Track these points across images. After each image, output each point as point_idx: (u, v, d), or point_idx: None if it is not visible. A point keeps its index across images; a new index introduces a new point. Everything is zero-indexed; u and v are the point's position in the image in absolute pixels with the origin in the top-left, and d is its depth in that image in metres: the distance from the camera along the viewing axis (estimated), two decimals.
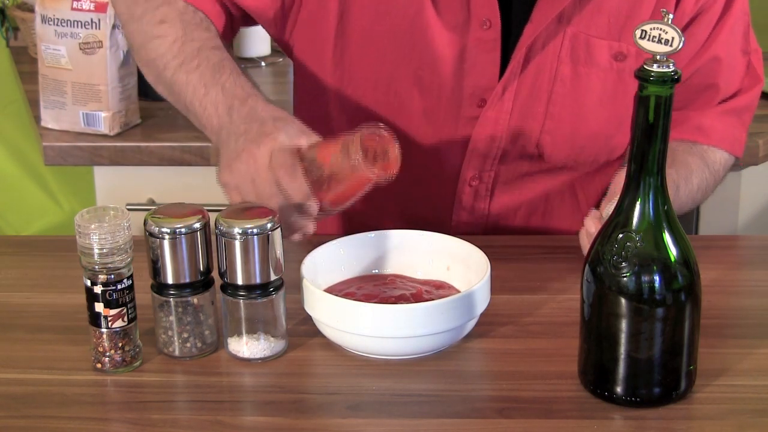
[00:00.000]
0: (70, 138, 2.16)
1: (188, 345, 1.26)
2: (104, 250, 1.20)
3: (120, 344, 1.23)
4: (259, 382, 1.24)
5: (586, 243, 1.34)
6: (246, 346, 1.26)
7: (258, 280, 1.23)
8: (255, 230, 1.21)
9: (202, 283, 1.25)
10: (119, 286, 1.21)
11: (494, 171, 1.54)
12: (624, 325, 1.15)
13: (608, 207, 1.36)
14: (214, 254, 1.25)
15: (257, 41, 2.54)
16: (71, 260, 1.29)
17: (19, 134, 2.71)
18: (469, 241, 1.35)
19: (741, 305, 1.41)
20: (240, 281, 1.23)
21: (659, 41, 1.10)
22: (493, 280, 1.30)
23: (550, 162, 1.54)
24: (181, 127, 2.16)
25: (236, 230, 1.21)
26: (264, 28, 1.54)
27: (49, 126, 2.19)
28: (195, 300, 1.25)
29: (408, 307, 1.25)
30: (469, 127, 1.50)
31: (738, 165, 2.15)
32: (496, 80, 1.47)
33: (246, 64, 2.49)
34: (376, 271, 1.39)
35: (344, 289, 1.33)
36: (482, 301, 1.27)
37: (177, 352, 1.27)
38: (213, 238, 1.24)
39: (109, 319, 1.22)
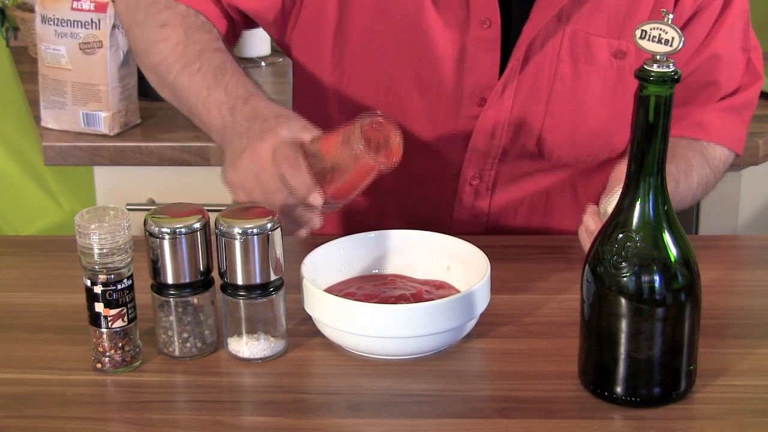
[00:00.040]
0: (70, 138, 2.16)
1: (188, 345, 1.26)
2: (104, 250, 1.20)
3: (120, 344, 1.23)
4: (259, 382, 1.24)
5: (585, 239, 1.34)
6: (246, 346, 1.26)
7: (258, 280, 1.23)
8: (255, 230, 1.21)
9: (202, 283, 1.25)
10: (119, 286, 1.21)
11: (494, 170, 1.54)
12: (624, 325, 1.15)
13: (606, 201, 1.36)
14: (214, 254, 1.25)
15: (257, 41, 2.54)
16: (71, 260, 1.29)
17: (19, 134, 2.71)
18: (469, 241, 1.35)
19: (741, 305, 1.41)
20: (240, 281, 1.23)
21: (659, 41, 1.10)
22: (493, 280, 1.30)
23: (550, 160, 1.54)
24: (181, 127, 2.17)
25: (236, 230, 1.21)
26: (265, 30, 1.54)
27: (49, 126, 2.19)
28: (195, 300, 1.25)
29: (408, 307, 1.25)
30: (470, 126, 1.50)
31: (738, 165, 2.15)
32: (496, 79, 1.48)
33: (246, 64, 2.49)
34: (376, 271, 1.39)
35: (344, 289, 1.33)
36: (482, 301, 1.27)
37: (177, 352, 1.27)
38: (213, 238, 1.24)
39: (109, 319, 1.22)
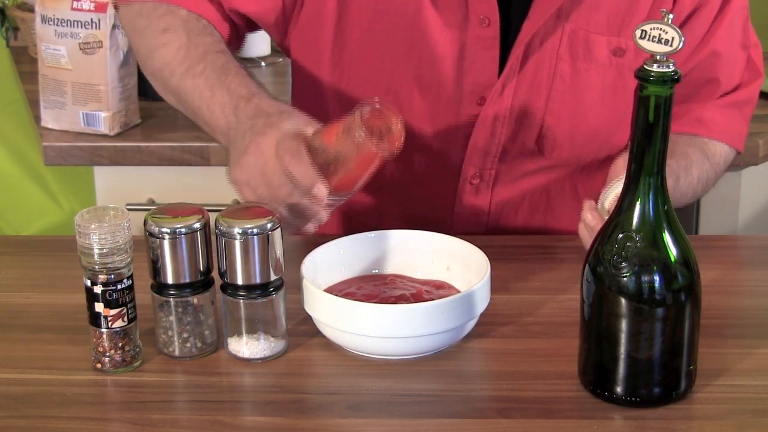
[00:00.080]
0: (70, 138, 2.16)
1: (188, 345, 1.26)
2: (104, 250, 1.20)
3: (120, 344, 1.23)
4: (259, 382, 1.24)
5: (585, 235, 1.34)
6: (246, 346, 1.26)
7: (258, 280, 1.23)
8: (255, 230, 1.21)
9: (202, 283, 1.25)
10: (119, 286, 1.21)
11: (495, 169, 1.54)
12: (624, 325, 1.15)
13: (604, 195, 1.36)
14: (214, 254, 1.25)
15: (257, 41, 2.54)
16: (71, 260, 1.29)
17: (19, 134, 2.71)
18: (469, 241, 1.35)
19: (741, 305, 1.41)
20: (240, 281, 1.23)
21: (659, 41, 1.10)
22: (493, 280, 1.30)
23: (551, 159, 1.54)
24: (181, 127, 2.16)
25: (236, 230, 1.21)
26: (267, 32, 1.55)
27: (49, 126, 2.19)
28: (195, 300, 1.25)
29: (408, 307, 1.25)
30: (470, 125, 1.50)
31: (738, 165, 2.15)
32: (495, 78, 1.48)
33: (246, 64, 2.47)
34: (376, 271, 1.39)
35: (344, 289, 1.33)
36: (482, 301, 1.27)
37: (177, 352, 1.27)
38: (213, 238, 1.24)
39: (109, 319, 1.22)
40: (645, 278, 1.14)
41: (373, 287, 1.34)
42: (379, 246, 1.38)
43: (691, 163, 1.51)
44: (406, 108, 1.49)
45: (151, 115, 2.23)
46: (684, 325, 1.16)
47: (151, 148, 2.13)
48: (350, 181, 1.27)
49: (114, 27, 2.10)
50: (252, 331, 1.25)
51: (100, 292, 1.21)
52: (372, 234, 1.38)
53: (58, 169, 2.67)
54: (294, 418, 1.17)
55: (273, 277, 1.24)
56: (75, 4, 2.11)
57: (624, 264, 1.14)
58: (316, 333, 1.30)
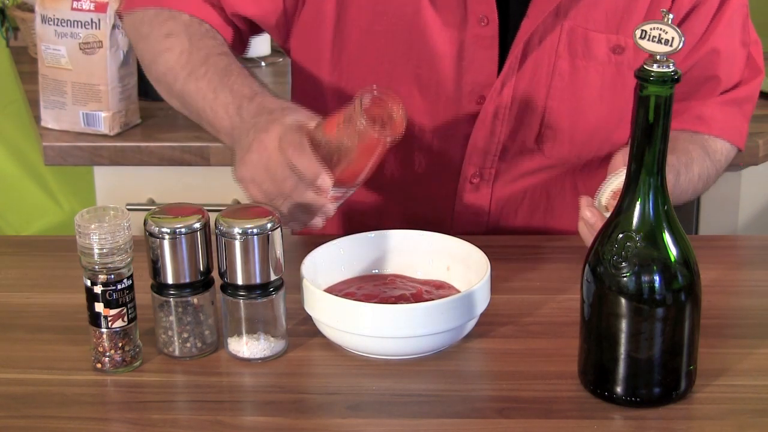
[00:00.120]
0: (70, 138, 2.16)
1: (188, 345, 1.26)
2: (104, 250, 1.20)
3: (120, 344, 1.23)
4: (259, 382, 1.24)
5: (585, 232, 1.34)
6: (246, 346, 1.26)
7: (258, 280, 1.23)
8: (255, 230, 1.21)
9: (202, 283, 1.25)
10: (119, 286, 1.21)
11: (495, 168, 1.54)
12: (624, 325, 1.15)
13: (600, 192, 1.35)
14: (214, 254, 1.25)
15: (257, 42, 2.52)
16: (71, 260, 1.29)
17: (19, 134, 2.71)
18: (469, 241, 1.35)
19: (741, 305, 1.41)
20: (240, 281, 1.23)
21: (659, 41, 1.10)
22: (493, 280, 1.30)
23: (550, 157, 1.54)
24: (181, 127, 2.16)
25: (236, 230, 1.21)
26: (270, 35, 1.55)
27: (49, 126, 2.19)
28: (195, 300, 1.25)
29: (408, 307, 1.25)
30: (469, 124, 1.50)
31: (738, 165, 2.15)
32: (494, 76, 1.48)
33: (246, 64, 2.48)
34: (376, 271, 1.39)
35: (344, 289, 1.33)
36: (482, 301, 1.27)
37: (177, 352, 1.27)
38: (213, 238, 1.24)
39: (109, 319, 1.22)
40: (645, 278, 1.14)
41: (373, 287, 1.34)
42: (379, 246, 1.38)
43: (692, 159, 1.51)
44: (406, 108, 1.49)
45: (151, 115, 2.23)
46: (684, 325, 1.16)
47: (151, 148, 2.13)
48: (354, 171, 1.26)
49: (114, 27, 2.10)
50: (252, 331, 1.25)
51: (100, 292, 1.21)
52: (372, 234, 1.38)
53: (58, 169, 2.67)
54: (294, 418, 1.17)
55: (273, 277, 1.24)
56: (75, 4, 2.11)
57: (624, 264, 1.14)
58: (316, 333, 1.30)
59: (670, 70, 1.09)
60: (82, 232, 1.19)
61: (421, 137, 1.52)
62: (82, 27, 2.10)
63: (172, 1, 1.47)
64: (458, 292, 1.32)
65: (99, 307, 1.22)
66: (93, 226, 1.19)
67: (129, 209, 1.25)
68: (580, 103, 1.50)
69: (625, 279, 1.14)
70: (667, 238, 1.14)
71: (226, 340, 1.27)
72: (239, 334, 1.26)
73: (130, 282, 1.22)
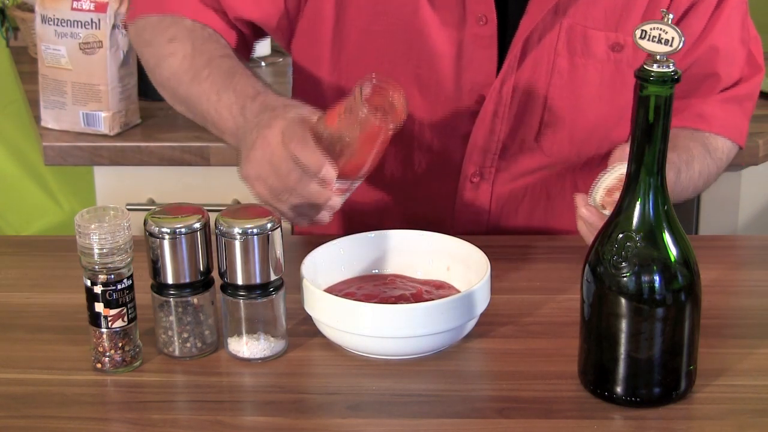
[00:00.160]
0: (70, 138, 2.16)
1: (188, 345, 1.26)
2: (104, 250, 1.20)
3: (120, 344, 1.23)
4: (259, 382, 1.24)
5: (584, 230, 1.34)
6: (246, 346, 1.26)
7: (258, 280, 1.23)
8: (255, 230, 1.21)
9: (202, 283, 1.25)
10: (119, 286, 1.21)
11: (495, 166, 1.54)
12: (624, 325, 1.15)
13: (594, 188, 1.35)
14: (214, 254, 1.25)
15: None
16: (71, 260, 1.29)
17: (19, 134, 2.71)
18: (469, 241, 1.35)
19: (741, 305, 1.41)
20: (240, 281, 1.23)
21: (659, 41, 1.10)
22: (493, 280, 1.30)
23: (550, 155, 1.54)
24: (181, 127, 2.16)
25: (236, 230, 1.21)
26: (274, 37, 1.55)
27: (49, 126, 2.19)
28: (195, 300, 1.25)
29: (408, 307, 1.25)
30: (469, 123, 1.50)
31: (738, 165, 2.15)
32: (494, 75, 1.48)
33: (247, 64, 2.49)
34: (376, 271, 1.39)
35: (344, 289, 1.33)
36: (482, 301, 1.27)
37: (177, 352, 1.27)
38: (213, 238, 1.24)
39: (109, 319, 1.22)
40: (645, 278, 1.14)
41: (373, 287, 1.34)
42: (379, 246, 1.38)
43: (693, 157, 1.51)
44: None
45: (151, 115, 2.23)
46: (684, 325, 1.16)
47: (151, 148, 2.13)
48: (358, 162, 1.26)
49: (114, 27, 2.10)
50: (252, 331, 1.25)
51: (100, 292, 1.21)
52: (372, 234, 1.38)
53: (58, 169, 2.67)
54: (294, 418, 1.17)
55: (273, 277, 1.24)
56: (75, 4, 2.10)
57: (624, 264, 1.14)
58: (316, 333, 1.30)
59: (670, 70, 1.09)
60: (82, 232, 1.19)
61: (421, 136, 1.52)
62: (82, 27, 2.10)
63: (174, 6, 1.47)
64: (458, 292, 1.32)
65: (99, 307, 1.22)
66: (93, 226, 1.19)
67: (129, 209, 1.25)
68: (580, 101, 1.50)
69: (625, 279, 1.14)
70: (667, 238, 1.14)
71: (226, 340, 1.27)
72: (239, 334, 1.26)
73: (130, 282, 1.22)
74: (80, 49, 2.11)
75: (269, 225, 1.22)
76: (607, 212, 1.31)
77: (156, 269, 1.23)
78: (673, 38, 1.09)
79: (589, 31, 1.47)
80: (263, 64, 2.55)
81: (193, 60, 1.42)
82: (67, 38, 2.11)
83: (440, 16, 1.46)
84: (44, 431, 1.16)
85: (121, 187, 2.19)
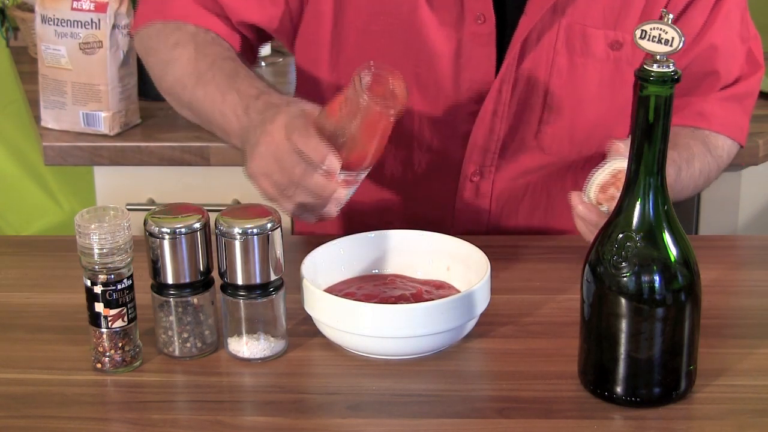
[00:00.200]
0: (70, 138, 2.16)
1: (188, 345, 1.26)
2: (104, 250, 1.20)
3: (120, 344, 1.23)
4: (259, 382, 1.24)
5: (583, 228, 1.34)
6: (246, 346, 1.26)
7: (258, 280, 1.23)
8: (255, 230, 1.21)
9: (202, 283, 1.25)
10: (119, 286, 1.21)
11: (495, 166, 1.54)
12: (624, 325, 1.15)
13: (588, 185, 1.35)
14: (214, 254, 1.25)
15: None
16: (71, 260, 1.29)
17: (19, 134, 2.71)
18: (469, 241, 1.35)
19: (741, 305, 1.41)
20: (240, 281, 1.23)
21: (659, 41, 1.10)
22: (493, 280, 1.30)
23: (550, 154, 1.54)
24: (181, 127, 2.16)
25: (236, 230, 1.21)
26: (278, 40, 1.56)
27: (49, 126, 2.19)
28: (195, 300, 1.25)
29: (408, 307, 1.25)
30: (469, 122, 1.50)
31: (738, 165, 2.15)
32: (492, 74, 1.48)
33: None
34: (376, 271, 1.38)
35: (344, 289, 1.33)
36: (482, 301, 1.27)
37: (177, 352, 1.27)
38: (213, 238, 1.24)
39: (109, 319, 1.22)
40: (645, 278, 1.14)
41: (373, 287, 1.34)
42: (379, 246, 1.38)
43: (693, 155, 1.51)
44: (405, 107, 1.49)
45: (151, 115, 2.23)
46: (684, 325, 1.16)
47: (151, 148, 2.13)
48: (362, 151, 1.26)
49: (114, 27, 2.10)
50: (252, 331, 1.25)
51: (100, 292, 1.21)
52: (372, 234, 1.38)
53: (58, 169, 2.67)
54: (294, 418, 1.17)
55: (273, 277, 1.24)
56: (75, 4, 2.10)
57: (624, 264, 1.14)
58: (316, 333, 1.30)
59: (670, 70, 1.09)
60: (82, 232, 1.19)
61: (421, 136, 1.52)
62: (82, 27, 2.10)
63: (176, 13, 1.47)
64: (458, 292, 1.32)
65: (99, 307, 1.22)
66: (93, 226, 1.19)
67: (129, 209, 1.25)
68: (579, 100, 1.50)
69: (625, 279, 1.14)
70: (667, 238, 1.14)
71: (226, 340, 1.27)
72: (239, 334, 1.26)
73: (130, 282, 1.22)
74: (80, 49, 2.11)
75: (269, 225, 1.22)
76: (604, 208, 1.31)
77: (156, 269, 1.23)
78: (673, 38, 1.09)
79: (587, 29, 1.47)
80: (263, 64, 2.55)
81: (197, 64, 1.42)
82: (67, 38, 2.11)
83: (438, 16, 1.46)
84: (44, 431, 1.16)
85: (121, 187, 2.19)
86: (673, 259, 1.14)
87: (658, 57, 1.10)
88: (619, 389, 1.17)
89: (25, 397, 1.21)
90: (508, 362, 1.27)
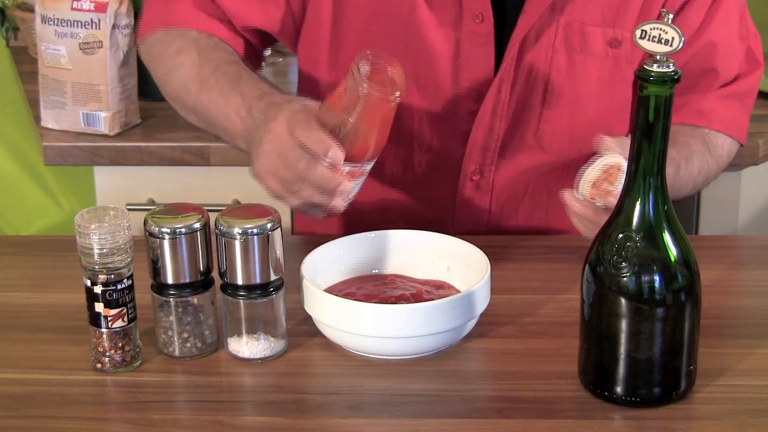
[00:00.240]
0: (70, 138, 2.16)
1: (188, 345, 1.26)
2: (104, 250, 1.20)
3: (120, 344, 1.23)
4: (259, 382, 1.24)
5: (580, 225, 1.34)
6: (246, 346, 1.26)
7: (258, 280, 1.23)
8: (255, 230, 1.21)
9: (202, 283, 1.25)
10: (119, 286, 1.21)
11: (494, 165, 1.54)
12: (624, 325, 1.15)
13: (581, 181, 1.34)
14: (214, 254, 1.25)
15: None
16: (71, 260, 1.29)
17: (19, 134, 2.71)
18: (469, 241, 1.35)
19: (741, 305, 1.41)
20: (240, 281, 1.23)
21: (659, 41, 1.10)
22: (493, 280, 1.30)
23: (550, 153, 1.54)
24: (181, 127, 2.16)
25: (236, 230, 1.21)
26: (282, 42, 1.56)
27: (49, 126, 2.19)
28: (195, 300, 1.25)
29: (408, 307, 1.25)
30: (468, 122, 1.50)
31: (738, 165, 2.15)
32: (492, 73, 1.48)
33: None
34: (376, 271, 1.38)
35: (344, 289, 1.33)
36: (482, 301, 1.27)
37: (177, 352, 1.27)
38: (213, 238, 1.24)
39: (109, 319, 1.22)
40: (645, 278, 1.14)
41: (373, 287, 1.34)
42: (379, 246, 1.38)
43: (692, 153, 1.51)
44: (405, 107, 1.49)
45: (151, 115, 2.23)
46: (684, 325, 1.16)
47: (151, 148, 2.13)
48: (365, 142, 1.25)
49: (114, 27, 2.10)
50: (252, 331, 1.25)
51: (100, 292, 1.21)
52: (372, 234, 1.38)
53: (58, 169, 2.67)
54: (294, 418, 1.17)
55: (273, 277, 1.24)
56: (75, 4, 2.10)
57: (624, 264, 1.14)
58: (316, 333, 1.30)
59: (670, 70, 1.09)
60: (82, 232, 1.19)
61: (421, 136, 1.52)
62: (82, 27, 2.10)
63: (179, 19, 1.48)
64: (458, 292, 1.32)
65: (99, 307, 1.22)
66: (93, 226, 1.19)
67: (129, 209, 1.25)
68: (579, 98, 1.50)
69: (625, 279, 1.14)
70: (667, 238, 1.14)
71: (226, 340, 1.27)
72: (239, 334, 1.26)
73: (130, 282, 1.22)
74: (80, 49, 2.11)
75: (269, 225, 1.22)
76: (599, 203, 1.31)
77: (156, 269, 1.23)
78: (673, 38, 1.09)
79: (586, 27, 1.47)
80: (263, 64, 2.55)
81: (200, 69, 1.42)
82: (67, 38, 2.11)
83: (437, 16, 1.46)
84: (44, 431, 1.16)
85: (121, 187, 2.19)
86: (673, 259, 1.14)
87: (658, 57, 1.10)
88: (619, 389, 1.17)
89: (25, 397, 1.21)
90: (508, 362, 1.27)
